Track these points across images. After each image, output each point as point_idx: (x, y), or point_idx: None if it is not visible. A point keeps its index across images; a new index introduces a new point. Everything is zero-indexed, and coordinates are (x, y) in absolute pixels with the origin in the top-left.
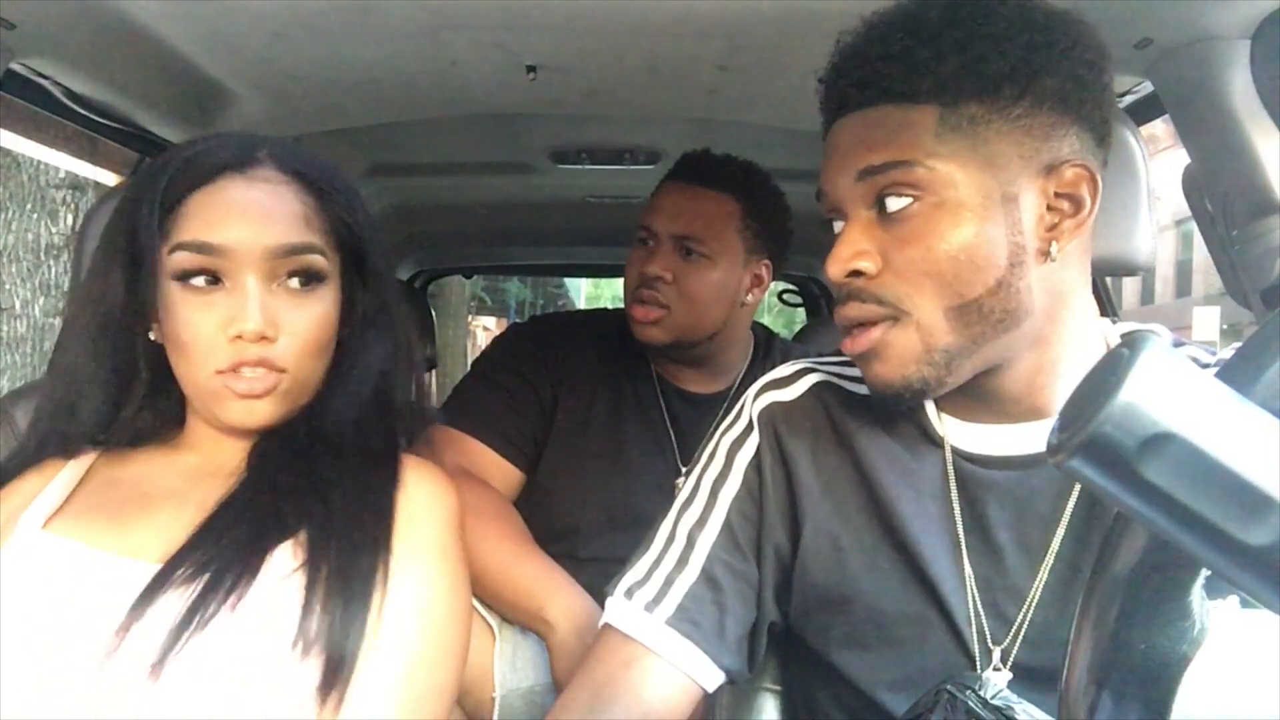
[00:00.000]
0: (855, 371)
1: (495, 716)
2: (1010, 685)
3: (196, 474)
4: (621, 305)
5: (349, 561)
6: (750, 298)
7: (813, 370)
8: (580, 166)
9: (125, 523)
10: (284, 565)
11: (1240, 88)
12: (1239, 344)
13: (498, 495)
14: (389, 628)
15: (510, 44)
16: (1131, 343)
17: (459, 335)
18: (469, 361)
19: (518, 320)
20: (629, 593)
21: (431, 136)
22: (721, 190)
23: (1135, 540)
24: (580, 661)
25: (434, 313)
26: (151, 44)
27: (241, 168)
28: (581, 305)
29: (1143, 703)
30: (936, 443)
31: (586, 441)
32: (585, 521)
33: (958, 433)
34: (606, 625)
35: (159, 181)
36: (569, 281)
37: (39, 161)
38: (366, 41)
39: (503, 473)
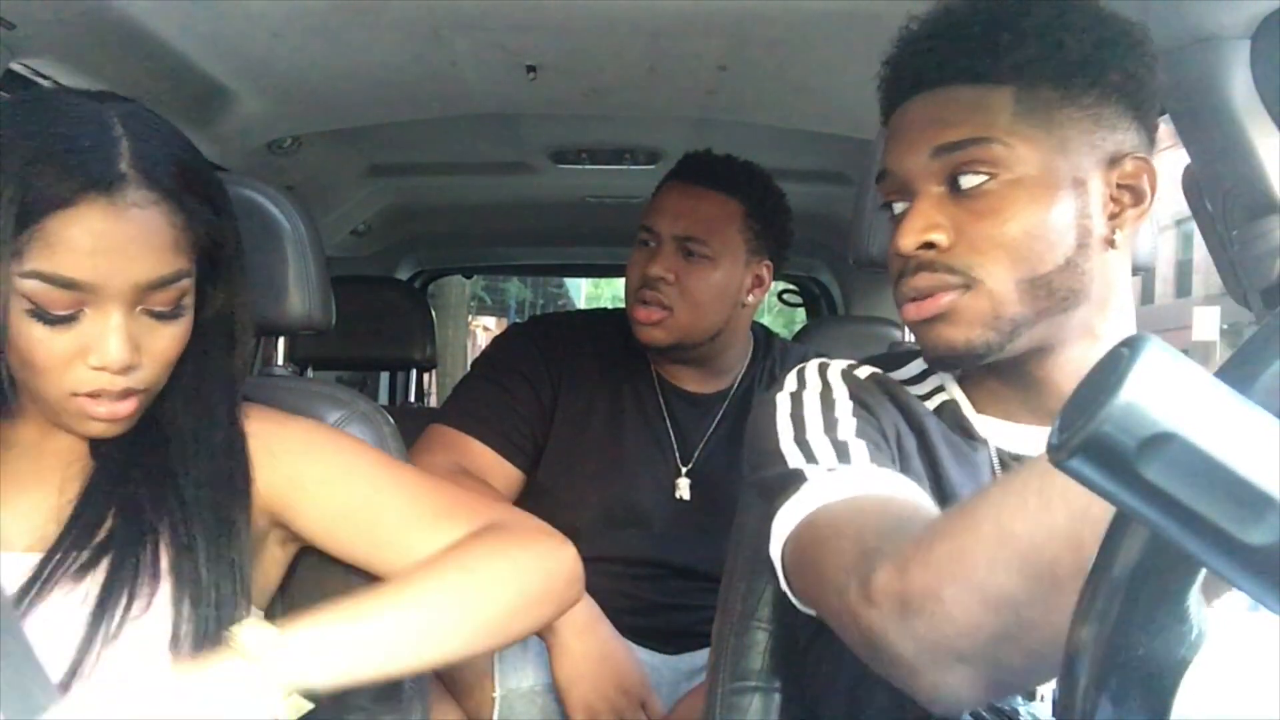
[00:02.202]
0: (900, 374)
1: (495, 716)
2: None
3: (41, 454)
4: (622, 305)
5: (213, 552)
6: (751, 298)
7: (862, 365)
8: (580, 166)
9: None
10: (161, 565)
11: (1240, 88)
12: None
13: (497, 496)
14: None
15: (510, 44)
16: (1131, 342)
17: (459, 335)
18: (469, 361)
19: (518, 320)
20: (789, 510)
21: (431, 136)
22: (724, 191)
23: (1132, 543)
24: (582, 662)
25: (434, 313)
26: (151, 44)
27: (107, 189)
28: (581, 305)
29: (1141, 707)
30: (981, 442)
31: (586, 441)
32: (585, 521)
33: (999, 433)
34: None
35: (6, 185)
36: (569, 281)
37: None
38: (366, 41)
39: (503, 472)
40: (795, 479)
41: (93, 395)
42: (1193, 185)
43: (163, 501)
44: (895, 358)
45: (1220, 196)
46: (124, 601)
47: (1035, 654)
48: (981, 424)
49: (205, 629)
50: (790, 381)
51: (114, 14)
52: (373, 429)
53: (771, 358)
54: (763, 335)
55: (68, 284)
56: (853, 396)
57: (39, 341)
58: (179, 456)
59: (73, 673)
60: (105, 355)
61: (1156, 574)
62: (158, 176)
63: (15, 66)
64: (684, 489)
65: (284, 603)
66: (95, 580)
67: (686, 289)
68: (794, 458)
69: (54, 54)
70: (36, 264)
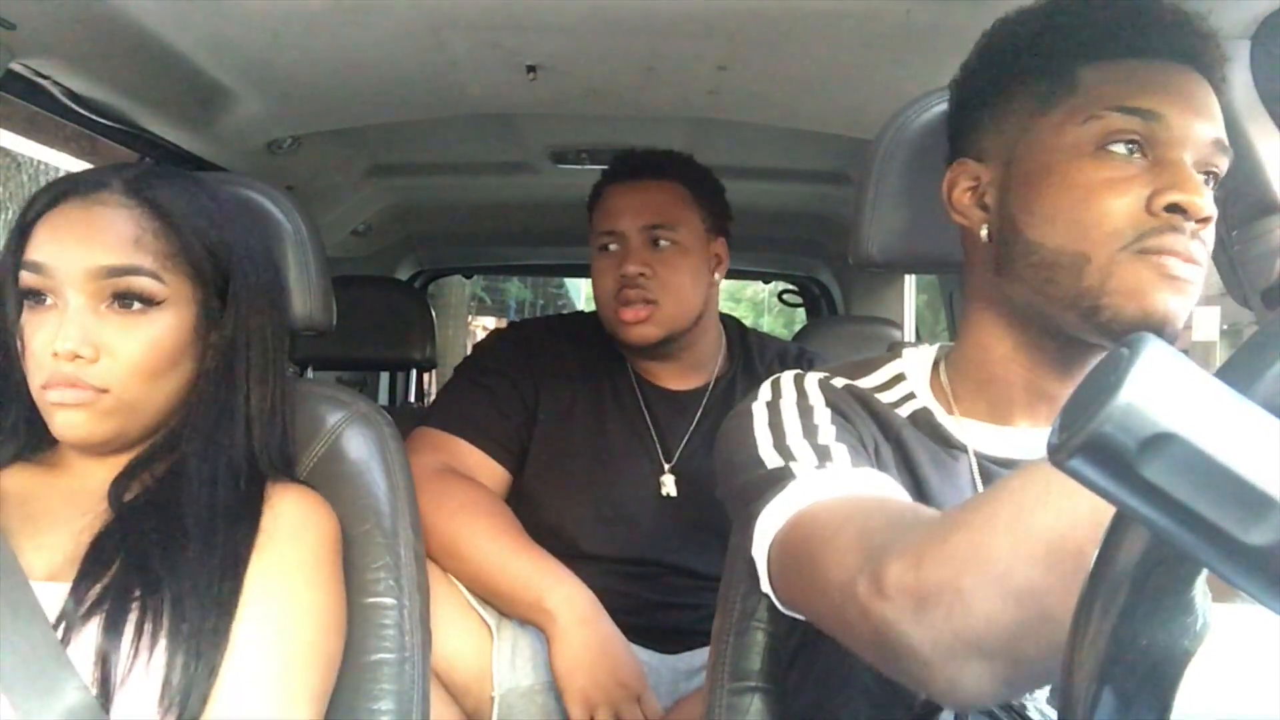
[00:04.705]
0: (869, 382)
1: (495, 716)
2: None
3: (73, 496)
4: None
5: (200, 618)
6: (717, 276)
7: (835, 375)
8: (580, 166)
9: (13, 544)
10: (149, 625)
11: (1240, 88)
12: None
13: (488, 491)
14: (249, 643)
15: (510, 44)
16: (1131, 342)
17: (459, 335)
18: None
19: (518, 320)
20: (777, 507)
21: (431, 136)
22: (665, 178)
23: (1138, 534)
24: (578, 649)
25: (434, 313)
26: (152, 44)
27: (85, 192)
28: (581, 305)
29: (1144, 699)
30: (960, 448)
31: (570, 441)
32: (573, 520)
33: (980, 437)
34: (785, 529)
35: (25, 208)
36: (569, 282)
37: (39, 162)
38: (366, 41)
39: (491, 472)
40: (780, 477)
41: (52, 385)
42: None
43: (170, 555)
44: (863, 364)
45: (1220, 196)
46: (123, 650)
47: (1055, 646)
48: (959, 429)
49: (190, 687)
50: (765, 392)
51: (114, 14)
52: (373, 430)
53: (748, 351)
54: (735, 327)
55: (32, 267)
56: (830, 404)
57: (31, 329)
58: (191, 507)
59: None
60: (59, 339)
61: (1162, 564)
62: (140, 188)
63: (16, 67)
64: (670, 485)
65: None
66: (98, 625)
67: (664, 279)
68: (774, 460)
69: (54, 54)
70: (23, 257)
